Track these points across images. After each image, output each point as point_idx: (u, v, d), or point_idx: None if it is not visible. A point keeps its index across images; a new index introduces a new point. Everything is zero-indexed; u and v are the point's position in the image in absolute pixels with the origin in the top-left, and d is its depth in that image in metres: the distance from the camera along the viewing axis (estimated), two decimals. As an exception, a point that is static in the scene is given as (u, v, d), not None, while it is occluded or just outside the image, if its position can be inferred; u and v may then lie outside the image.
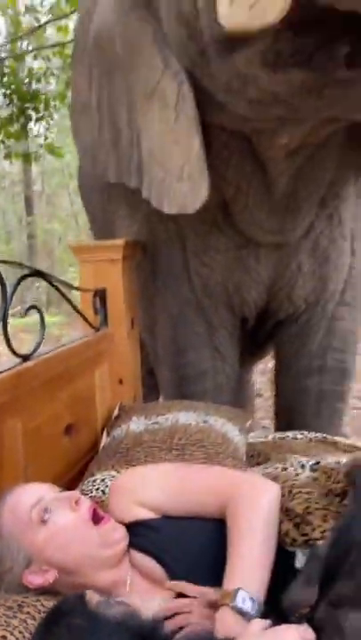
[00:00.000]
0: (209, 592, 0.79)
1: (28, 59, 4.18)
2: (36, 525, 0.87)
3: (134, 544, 0.90)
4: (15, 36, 4.08)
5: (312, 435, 1.56)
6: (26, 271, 1.27)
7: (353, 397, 4.18)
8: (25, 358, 1.22)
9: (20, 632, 0.75)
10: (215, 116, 1.31)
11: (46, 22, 3.98)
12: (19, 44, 4.17)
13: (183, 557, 0.86)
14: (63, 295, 1.40)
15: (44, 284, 1.36)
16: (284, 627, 0.66)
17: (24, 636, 0.74)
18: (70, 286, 1.59)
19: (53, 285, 1.35)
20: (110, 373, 1.71)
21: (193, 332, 1.93)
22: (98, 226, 2.35)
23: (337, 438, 1.55)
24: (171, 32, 1.24)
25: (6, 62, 3.71)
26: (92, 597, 0.80)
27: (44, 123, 3.94)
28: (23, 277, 1.22)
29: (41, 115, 3.88)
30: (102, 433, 1.58)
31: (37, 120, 3.89)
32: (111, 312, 1.74)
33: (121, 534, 0.89)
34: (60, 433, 1.38)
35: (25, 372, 1.22)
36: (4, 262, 1.19)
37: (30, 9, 4.41)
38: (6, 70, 3.70)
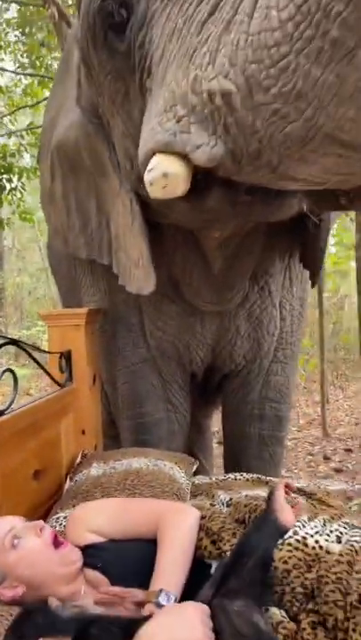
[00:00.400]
0: (138, 592, 1.03)
1: (4, 136, 4.59)
2: (8, 549, 1.09)
3: (87, 563, 1.13)
4: None
5: (249, 475, 1.82)
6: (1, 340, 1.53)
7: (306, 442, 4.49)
8: (0, 413, 1.47)
9: (-4, 631, 0.97)
10: (163, 218, 1.63)
11: (20, 107, 4.43)
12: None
13: (124, 570, 1.10)
14: (34, 360, 1.66)
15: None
16: (186, 603, 0.91)
17: (-1, 634, 0.96)
18: (40, 350, 1.85)
19: (27, 352, 1.61)
20: (74, 424, 1.93)
21: (149, 386, 2.18)
22: (64, 291, 2.63)
23: (269, 478, 1.81)
24: (120, 157, 1.57)
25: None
26: (53, 602, 1.03)
27: (17, 193, 4.29)
28: (1, 345, 1.49)
29: (14, 185, 4.23)
30: (66, 478, 1.79)
31: (10, 190, 4.23)
32: (75, 370, 1.98)
33: (77, 556, 1.12)
34: (29, 477, 1.59)
35: (0, 424, 1.46)
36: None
37: (5, 90, 4.87)
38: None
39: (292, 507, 1.17)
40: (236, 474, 1.84)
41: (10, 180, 4.18)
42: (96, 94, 1.54)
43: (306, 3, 0.82)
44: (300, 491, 1.44)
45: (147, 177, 1.15)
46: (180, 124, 1.06)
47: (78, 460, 1.86)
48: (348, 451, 4.29)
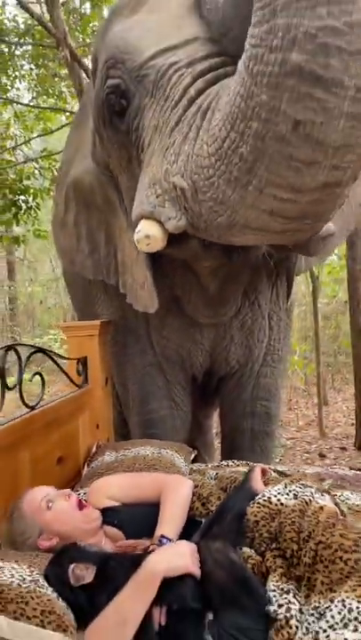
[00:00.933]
0: (146, 541, 1.34)
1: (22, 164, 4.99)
2: (44, 510, 1.42)
3: (106, 521, 1.45)
4: (6, 148, 4.95)
5: (239, 462, 2.13)
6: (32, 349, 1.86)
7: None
8: (32, 408, 1.79)
9: (39, 566, 1.28)
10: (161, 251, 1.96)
11: (37, 136, 4.82)
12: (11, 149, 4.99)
13: (135, 527, 1.42)
14: (58, 365, 2.00)
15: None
16: (180, 541, 1.23)
17: (40, 570, 1.28)
18: (61, 357, 2.18)
19: (52, 359, 1.95)
20: (90, 420, 2.25)
21: (155, 387, 2.49)
22: (80, 304, 2.97)
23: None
24: (126, 204, 1.89)
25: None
26: (81, 542, 1.35)
27: (32, 212, 4.66)
28: (32, 353, 1.82)
29: (30, 205, 4.61)
30: (84, 465, 2.12)
31: (26, 210, 4.60)
32: (90, 374, 2.32)
33: (97, 515, 1.44)
34: (54, 463, 1.92)
35: (31, 418, 1.78)
36: (19, 345, 1.78)
37: (20, 115, 5.26)
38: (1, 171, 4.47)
39: (264, 483, 1.50)
40: (228, 461, 2.16)
41: (26, 201, 4.55)
42: (107, 155, 1.89)
43: (222, 147, 1.26)
44: (279, 473, 1.75)
45: (135, 236, 1.55)
46: (158, 199, 1.48)
47: (94, 449, 2.18)
48: (343, 449, 4.57)
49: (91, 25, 4.18)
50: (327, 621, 1.00)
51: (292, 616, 1.03)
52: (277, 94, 1.11)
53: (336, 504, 1.36)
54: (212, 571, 1.18)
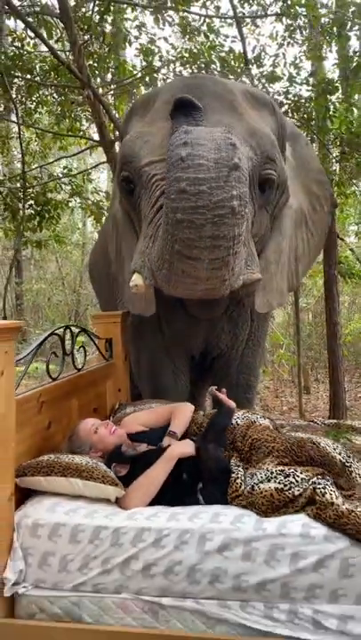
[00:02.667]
0: (143, 445, 2.11)
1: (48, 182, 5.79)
2: (92, 434, 2.17)
3: (134, 439, 2.21)
4: (33, 167, 5.75)
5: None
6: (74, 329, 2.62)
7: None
8: (79, 370, 2.55)
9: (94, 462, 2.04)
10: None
11: (56, 160, 5.62)
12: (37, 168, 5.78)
13: (156, 439, 2.17)
14: (95, 344, 2.76)
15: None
16: (186, 439, 2.01)
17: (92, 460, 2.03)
18: (96, 336, 2.95)
19: (91, 338, 2.70)
20: (113, 385, 3.00)
21: (162, 362, 3.22)
22: (104, 299, 3.72)
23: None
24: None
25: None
26: (123, 447, 2.10)
27: (53, 221, 5.44)
28: (78, 333, 2.57)
29: (52, 215, 5.37)
30: (109, 416, 2.87)
31: (48, 219, 5.37)
32: (114, 351, 3.08)
33: (122, 433, 2.18)
34: (91, 411, 2.67)
35: (77, 377, 2.54)
36: (72, 325, 2.55)
37: (40, 134, 6.02)
38: (28, 186, 5.24)
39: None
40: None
41: (48, 211, 5.31)
42: (128, 209, 2.66)
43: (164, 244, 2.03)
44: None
45: (130, 283, 2.27)
46: (143, 263, 2.22)
47: (116, 406, 2.93)
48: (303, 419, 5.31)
49: (109, 64, 4.96)
50: (258, 479, 1.80)
51: (238, 477, 1.83)
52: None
53: (274, 425, 2.17)
54: (206, 460, 1.95)
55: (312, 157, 3.42)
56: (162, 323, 3.12)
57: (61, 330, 2.41)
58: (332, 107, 4.47)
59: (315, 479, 1.76)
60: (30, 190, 5.27)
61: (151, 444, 2.15)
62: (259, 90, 3.07)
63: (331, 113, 4.47)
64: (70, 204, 5.81)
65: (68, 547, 1.74)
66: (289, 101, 4.54)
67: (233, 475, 1.86)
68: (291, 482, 1.76)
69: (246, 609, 1.62)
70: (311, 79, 4.77)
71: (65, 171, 5.81)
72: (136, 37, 5.33)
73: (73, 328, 2.51)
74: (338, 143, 4.72)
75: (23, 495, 1.90)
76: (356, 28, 4.73)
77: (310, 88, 4.62)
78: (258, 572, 1.61)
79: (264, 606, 1.61)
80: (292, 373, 7.47)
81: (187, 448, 1.97)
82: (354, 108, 4.54)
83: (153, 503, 1.85)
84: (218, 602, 1.64)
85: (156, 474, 1.89)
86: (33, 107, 5.68)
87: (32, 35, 4.84)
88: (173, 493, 1.88)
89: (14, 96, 5.06)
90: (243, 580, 1.61)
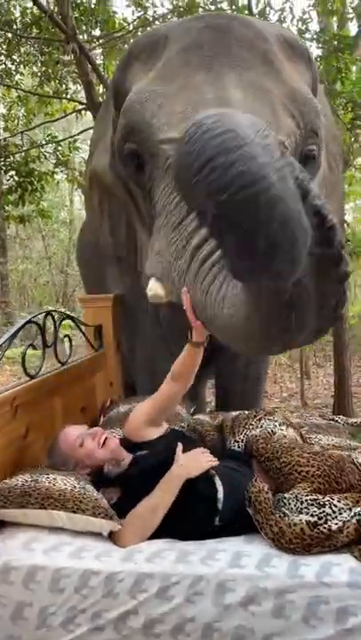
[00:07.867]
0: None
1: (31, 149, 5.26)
2: (77, 448, 1.77)
3: (132, 448, 1.83)
4: (14, 133, 5.23)
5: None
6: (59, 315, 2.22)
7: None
8: (63, 364, 2.16)
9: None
10: None
11: (38, 125, 5.10)
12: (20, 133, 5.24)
13: (163, 449, 1.79)
14: (81, 331, 2.35)
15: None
16: (194, 450, 1.62)
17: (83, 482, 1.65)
18: (83, 323, 2.54)
19: (77, 325, 2.30)
20: (104, 378, 2.62)
21: (159, 351, 2.85)
22: (93, 281, 3.30)
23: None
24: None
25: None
26: (106, 469, 1.72)
27: (37, 194, 4.95)
28: (62, 320, 2.17)
29: (35, 187, 4.89)
30: (99, 415, 2.49)
31: (31, 191, 4.88)
32: (105, 340, 2.68)
33: (114, 445, 1.77)
34: (78, 411, 2.29)
35: (63, 372, 2.15)
36: (54, 311, 2.14)
37: (23, 99, 5.50)
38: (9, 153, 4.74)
39: None
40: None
41: (31, 183, 4.83)
42: (132, 186, 2.14)
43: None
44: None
45: (147, 291, 1.87)
46: (162, 268, 1.76)
47: (107, 404, 2.55)
48: (321, 417, 5.00)
49: (97, 17, 4.43)
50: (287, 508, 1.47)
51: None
52: None
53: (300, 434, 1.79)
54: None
55: (327, 107, 3.00)
56: (160, 312, 2.74)
57: (41, 317, 2.00)
58: (343, 66, 4.04)
59: (359, 509, 1.40)
60: (11, 159, 4.76)
61: (158, 457, 1.76)
62: (293, 35, 2.42)
63: (343, 75, 4.04)
64: (56, 176, 5.31)
65: (48, 596, 1.37)
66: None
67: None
68: (327, 513, 1.40)
69: None
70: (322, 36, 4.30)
71: (49, 138, 5.27)
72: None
73: (55, 314, 2.10)
74: (349, 109, 4.29)
75: (-9, 526, 1.52)
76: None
77: (321, 45, 4.16)
78: (294, 632, 1.26)
79: None
80: (291, 359, 7.14)
81: (194, 465, 1.57)
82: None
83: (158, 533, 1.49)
84: (241, 669, 1.28)
85: (155, 504, 1.51)
86: (13, 67, 5.15)
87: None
88: (183, 523, 1.51)
89: (-8, 53, 4.54)
90: (274, 643, 1.26)
